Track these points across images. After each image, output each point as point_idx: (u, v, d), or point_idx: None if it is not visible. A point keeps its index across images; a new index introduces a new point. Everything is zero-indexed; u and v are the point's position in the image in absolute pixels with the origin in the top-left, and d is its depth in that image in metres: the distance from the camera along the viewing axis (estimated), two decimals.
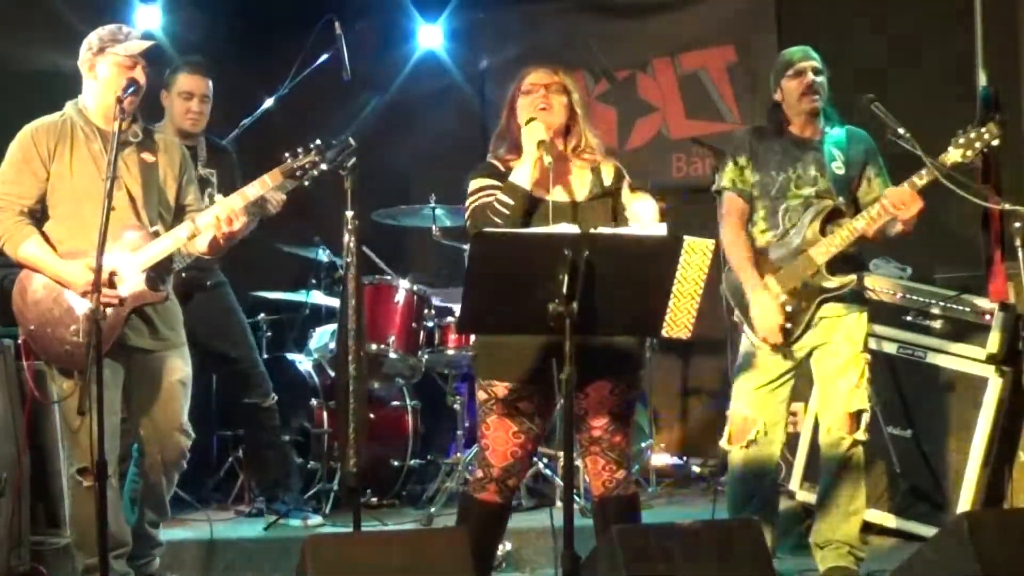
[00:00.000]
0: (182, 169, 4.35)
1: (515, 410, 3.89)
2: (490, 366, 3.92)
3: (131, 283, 4.09)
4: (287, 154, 4.25)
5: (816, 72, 4.52)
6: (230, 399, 5.62)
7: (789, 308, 4.51)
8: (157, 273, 4.17)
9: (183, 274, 4.63)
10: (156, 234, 4.17)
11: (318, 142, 4.22)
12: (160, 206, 4.25)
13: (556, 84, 3.94)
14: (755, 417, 4.57)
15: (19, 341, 4.29)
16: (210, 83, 5.26)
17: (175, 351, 4.31)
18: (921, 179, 4.34)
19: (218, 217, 4.10)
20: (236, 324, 5.38)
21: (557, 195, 3.93)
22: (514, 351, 3.83)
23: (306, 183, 4.28)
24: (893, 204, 4.36)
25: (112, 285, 3.97)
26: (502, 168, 3.96)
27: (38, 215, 4.16)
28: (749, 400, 4.59)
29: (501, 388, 3.88)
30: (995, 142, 4.36)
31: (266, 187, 4.26)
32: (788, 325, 4.49)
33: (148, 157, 4.23)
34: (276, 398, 5.42)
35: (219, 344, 5.30)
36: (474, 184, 3.97)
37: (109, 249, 3.90)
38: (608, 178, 3.99)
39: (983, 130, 4.35)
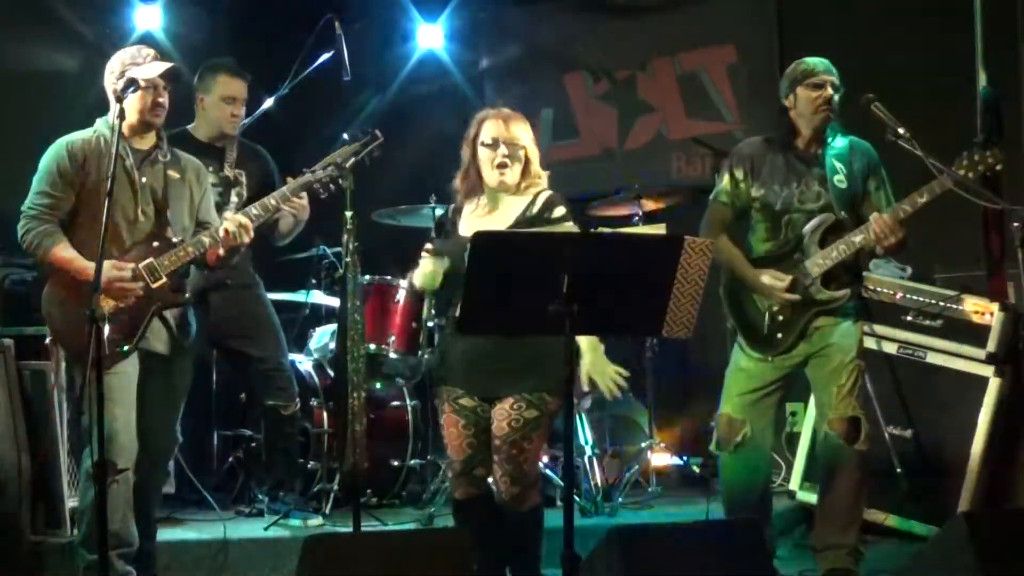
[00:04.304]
0: (203, 188, 4.56)
1: (459, 407, 4.18)
2: (438, 372, 4.28)
3: (155, 285, 4.29)
4: (304, 169, 4.48)
5: (834, 88, 4.51)
6: (250, 399, 5.63)
7: (780, 318, 4.53)
8: (179, 278, 4.37)
9: (204, 272, 4.66)
10: (180, 243, 4.36)
11: (345, 137, 4.43)
12: (186, 219, 4.45)
13: (516, 146, 4.20)
14: (741, 420, 4.57)
15: (47, 341, 4.47)
16: (247, 85, 5.30)
17: (185, 357, 4.49)
18: (906, 211, 4.37)
19: (227, 230, 4.32)
20: (263, 325, 5.37)
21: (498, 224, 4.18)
22: (452, 357, 4.19)
23: (323, 196, 4.51)
24: (876, 232, 4.39)
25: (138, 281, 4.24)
26: (448, 222, 4.33)
27: (66, 224, 4.33)
28: (736, 404, 4.60)
29: (444, 391, 4.22)
30: (998, 167, 4.37)
31: (285, 198, 4.55)
32: (781, 317, 4.51)
33: (174, 175, 4.44)
34: (299, 405, 5.41)
35: (243, 344, 5.31)
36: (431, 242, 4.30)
37: (139, 258, 4.25)
38: (536, 206, 4.20)
39: (988, 154, 4.36)
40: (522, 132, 4.24)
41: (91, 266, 4.14)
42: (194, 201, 4.49)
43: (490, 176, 4.20)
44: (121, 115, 4.11)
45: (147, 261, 4.28)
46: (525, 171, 4.23)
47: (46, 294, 4.34)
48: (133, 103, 4.29)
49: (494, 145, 4.20)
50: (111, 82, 4.36)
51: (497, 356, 4.06)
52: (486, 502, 4.21)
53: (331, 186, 4.42)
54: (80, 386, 4.24)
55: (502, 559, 4.24)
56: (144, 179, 4.34)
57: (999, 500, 5.24)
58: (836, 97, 4.52)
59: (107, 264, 4.15)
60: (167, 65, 4.35)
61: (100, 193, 4.23)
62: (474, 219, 4.24)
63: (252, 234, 4.38)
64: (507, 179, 4.18)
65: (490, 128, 4.23)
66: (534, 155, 4.26)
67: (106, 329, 4.02)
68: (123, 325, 4.22)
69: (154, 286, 4.28)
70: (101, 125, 4.40)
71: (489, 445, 4.15)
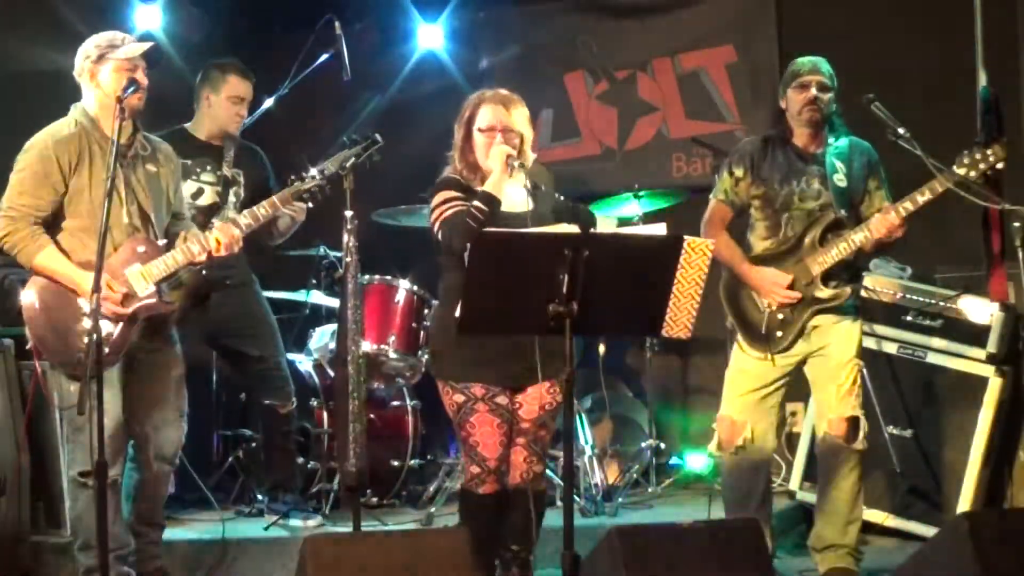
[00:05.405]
0: (175, 177, 4.47)
1: (495, 404, 4.13)
2: (464, 369, 4.13)
3: (143, 295, 4.18)
4: (293, 176, 4.36)
5: (821, 88, 4.50)
6: (248, 399, 5.63)
7: (780, 316, 4.53)
8: (167, 285, 4.27)
9: (203, 271, 4.63)
10: (167, 246, 4.26)
11: (345, 140, 4.35)
12: (164, 214, 4.35)
13: (512, 132, 4.16)
14: (743, 421, 4.57)
15: (28, 347, 4.29)
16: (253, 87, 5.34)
17: (171, 348, 4.39)
18: (907, 209, 4.38)
19: (219, 241, 4.23)
20: (261, 324, 5.37)
21: (517, 207, 4.13)
22: (483, 352, 4.04)
23: (310, 206, 4.43)
24: (875, 230, 4.40)
25: (122, 303, 4.12)
26: (464, 183, 4.20)
27: (49, 224, 4.20)
28: (737, 405, 4.60)
29: (479, 388, 4.12)
30: (999, 165, 4.37)
31: (276, 208, 4.39)
32: (781, 316, 4.51)
33: (152, 168, 4.33)
34: (296, 404, 5.41)
35: (240, 343, 5.32)
36: (441, 196, 4.20)
37: (125, 263, 4.14)
38: (545, 186, 4.25)
39: (988, 152, 4.36)
40: (519, 116, 4.20)
41: (82, 276, 4.06)
42: (169, 193, 4.37)
43: (486, 163, 4.15)
44: (122, 115, 4.02)
45: (134, 268, 4.17)
46: (520, 154, 4.20)
47: (27, 299, 4.19)
48: (112, 87, 4.15)
49: (490, 132, 4.16)
50: (86, 66, 4.21)
51: (533, 345, 3.98)
52: (501, 496, 4.22)
53: (318, 196, 4.34)
54: (66, 395, 4.18)
55: (498, 551, 4.27)
56: (128, 178, 4.22)
57: (999, 500, 5.24)
58: (826, 96, 4.51)
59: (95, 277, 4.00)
60: (147, 45, 4.24)
61: (89, 191, 4.15)
62: (506, 197, 4.13)
63: (241, 243, 4.31)
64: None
65: (487, 114, 4.19)
66: (529, 137, 4.23)
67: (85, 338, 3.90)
68: (107, 335, 4.07)
69: (142, 295, 4.17)
70: (80, 116, 4.24)
71: (512, 440, 4.18)
